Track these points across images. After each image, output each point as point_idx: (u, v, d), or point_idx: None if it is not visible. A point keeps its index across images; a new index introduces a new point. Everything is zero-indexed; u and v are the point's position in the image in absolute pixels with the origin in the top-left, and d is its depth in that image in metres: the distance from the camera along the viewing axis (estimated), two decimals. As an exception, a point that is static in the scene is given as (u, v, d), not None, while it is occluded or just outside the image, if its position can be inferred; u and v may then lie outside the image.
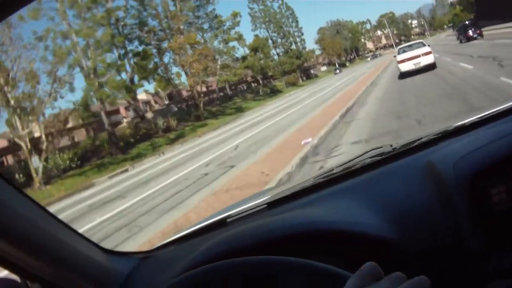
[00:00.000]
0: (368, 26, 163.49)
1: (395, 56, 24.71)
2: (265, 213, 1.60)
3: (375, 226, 1.19)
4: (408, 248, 1.14)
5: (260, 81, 79.29)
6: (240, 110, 53.58)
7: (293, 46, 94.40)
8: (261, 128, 23.29)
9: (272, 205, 1.64)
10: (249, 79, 79.62)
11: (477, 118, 1.51)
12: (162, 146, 36.21)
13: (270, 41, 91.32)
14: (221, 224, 1.67)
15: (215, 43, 61.40)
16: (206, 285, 1.02)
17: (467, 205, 1.12)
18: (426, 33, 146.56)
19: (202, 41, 59.15)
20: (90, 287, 1.25)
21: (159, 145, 36.64)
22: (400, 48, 23.67)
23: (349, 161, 1.69)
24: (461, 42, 36.91)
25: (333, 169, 1.66)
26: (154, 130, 42.00)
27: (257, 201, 1.71)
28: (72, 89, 37.89)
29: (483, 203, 1.13)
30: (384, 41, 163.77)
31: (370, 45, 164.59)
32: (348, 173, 1.56)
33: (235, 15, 63.95)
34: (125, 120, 51.98)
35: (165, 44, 50.98)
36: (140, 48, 47.33)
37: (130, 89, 43.45)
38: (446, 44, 43.75)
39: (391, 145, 1.63)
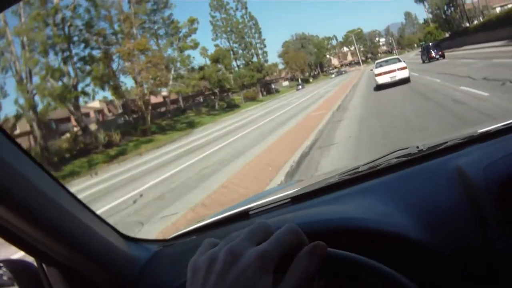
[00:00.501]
0: (334, 42, 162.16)
1: (371, 70, 27.02)
2: (289, 208, 1.57)
3: (404, 226, 1.17)
4: (437, 249, 1.13)
5: (217, 94, 74.42)
6: (191, 125, 49.48)
7: (255, 59, 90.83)
8: (206, 154, 19.35)
9: (296, 199, 1.60)
10: (207, 91, 74.59)
11: (502, 125, 1.53)
12: (100, 164, 32.10)
13: (231, 52, 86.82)
14: (242, 216, 1.65)
15: (169, 50, 56.99)
16: None
17: (496, 210, 1.11)
18: (394, 51, 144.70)
19: (156, 47, 54.19)
20: (106, 273, 1.25)
21: (96, 163, 32.62)
22: (378, 63, 25.41)
23: (375, 160, 1.67)
24: (423, 62, 40.86)
25: (358, 167, 1.64)
26: (94, 145, 37.85)
27: (280, 195, 1.68)
28: (3, 95, 33.82)
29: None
30: (350, 57, 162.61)
31: (335, 61, 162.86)
32: (374, 172, 1.54)
33: (192, 21, 59.08)
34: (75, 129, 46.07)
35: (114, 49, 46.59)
36: (86, 52, 43.16)
37: (64, 97, 38.04)
38: (414, 62, 46.02)
39: (417, 147, 1.62)
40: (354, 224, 1.21)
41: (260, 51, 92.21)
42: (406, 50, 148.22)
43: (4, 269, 1.20)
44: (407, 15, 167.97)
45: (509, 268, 1.06)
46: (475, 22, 68.54)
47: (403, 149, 1.71)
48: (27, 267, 1.21)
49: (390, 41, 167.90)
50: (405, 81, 22.65)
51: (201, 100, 74.54)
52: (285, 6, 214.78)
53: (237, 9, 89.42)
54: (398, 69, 22.99)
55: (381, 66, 24.34)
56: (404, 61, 23.79)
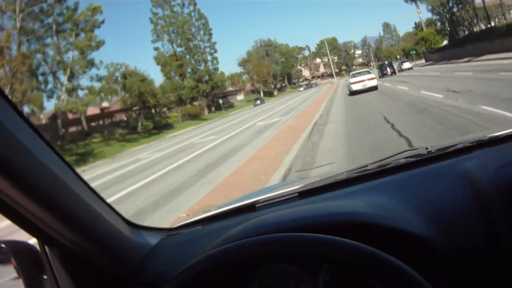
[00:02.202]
0: (306, 53, 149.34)
1: (346, 80, 38.39)
2: (296, 202, 1.57)
3: (413, 224, 1.20)
4: (447, 249, 1.16)
5: (142, 111, 57.26)
6: (84, 159, 35.10)
7: (202, 66, 74.24)
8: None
9: (303, 194, 1.61)
10: (142, 106, 57.30)
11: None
12: None
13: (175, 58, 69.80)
14: (249, 208, 1.65)
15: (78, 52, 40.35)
16: (234, 265, 1.06)
17: (506, 212, 1.16)
18: (372, 63, 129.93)
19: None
20: (109, 258, 1.25)
21: None
22: (352, 74, 34.75)
23: (383, 159, 1.69)
24: (380, 77, 47.41)
25: (367, 165, 1.66)
26: None
27: (287, 189, 1.69)
28: None
29: None
30: (322, 69, 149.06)
31: (307, 72, 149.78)
32: (383, 171, 1.56)
33: (93, 10, 41.96)
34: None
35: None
36: None
37: None
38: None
39: (426, 148, 1.64)
40: (363, 219, 1.21)
41: (209, 57, 75.19)
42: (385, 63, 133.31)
43: (5, 249, 1.24)
44: (386, 26, 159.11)
45: None
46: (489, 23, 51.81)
47: (412, 149, 1.73)
48: (29, 249, 1.24)
49: (366, 53, 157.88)
50: (373, 88, 30.19)
51: (125, 118, 57.16)
52: (252, 11, 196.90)
53: (183, 4, 71.92)
54: (368, 79, 30.83)
55: (354, 76, 32.73)
56: (373, 73, 32.84)
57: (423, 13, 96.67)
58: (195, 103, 69.98)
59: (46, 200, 1.00)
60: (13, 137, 0.91)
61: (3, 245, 1.24)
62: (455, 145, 1.57)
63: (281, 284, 1.15)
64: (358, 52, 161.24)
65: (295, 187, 1.67)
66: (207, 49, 76.35)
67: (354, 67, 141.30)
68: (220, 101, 71.49)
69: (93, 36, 42.96)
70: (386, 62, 57.85)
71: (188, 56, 71.37)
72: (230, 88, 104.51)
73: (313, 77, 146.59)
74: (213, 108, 72.00)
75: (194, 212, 2.04)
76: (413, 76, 37.94)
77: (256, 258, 1.06)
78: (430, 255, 1.14)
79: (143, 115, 56.11)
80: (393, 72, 50.45)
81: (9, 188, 0.92)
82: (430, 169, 1.46)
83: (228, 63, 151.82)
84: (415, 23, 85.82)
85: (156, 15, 70.72)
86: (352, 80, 31.95)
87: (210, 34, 77.09)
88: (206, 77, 72.38)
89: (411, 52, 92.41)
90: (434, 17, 71.38)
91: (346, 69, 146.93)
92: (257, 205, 1.65)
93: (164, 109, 63.60)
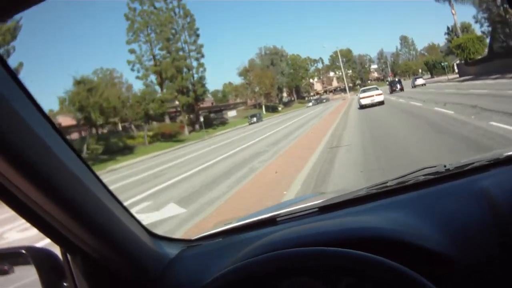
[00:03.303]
0: (320, 66, 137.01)
1: (357, 95, 40.87)
2: (317, 217, 1.61)
3: (433, 240, 1.22)
4: (465, 264, 1.19)
5: (90, 129, 43.96)
6: None
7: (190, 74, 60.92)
8: None
9: (323, 209, 1.64)
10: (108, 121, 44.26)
11: None
12: None
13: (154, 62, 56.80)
14: (270, 222, 1.67)
15: None
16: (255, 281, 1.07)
17: None
18: (388, 79, 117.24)
19: None
20: (130, 268, 1.27)
21: None
22: (362, 90, 37.75)
23: (403, 176, 1.69)
24: (390, 93, 50.38)
25: (387, 182, 1.67)
26: None
27: (308, 204, 1.72)
28: None
29: None
30: (335, 83, 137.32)
31: (318, 86, 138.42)
32: (402, 188, 1.59)
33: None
34: None
35: None
36: None
37: None
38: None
39: (444, 166, 1.66)
40: (383, 235, 1.24)
41: (195, 63, 62.10)
42: (402, 78, 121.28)
43: (25, 254, 1.28)
44: (403, 39, 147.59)
45: None
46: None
47: (430, 167, 1.72)
48: (50, 256, 1.26)
49: (383, 67, 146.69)
50: (380, 103, 32.77)
51: (79, 137, 44.02)
52: (259, 14, 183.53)
53: (165, -1, 58.72)
54: (376, 95, 33.57)
55: (364, 92, 35.64)
56: (380, 89, 35.26)
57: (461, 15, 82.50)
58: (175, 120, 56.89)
59: (71, 208, 1.02)
60: (41, 142, 0.93)
61: (23, 251, 1.29)
62: (473, 163, 1.59)
63: None
64: (374, 66, 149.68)
65: (316, 202, 1.70)
66: (192, 53, 63.13)
67: (369, 81, 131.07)
68: (201, 119, 57.87)
69: None
70: (396, 79, 63.55)
71: (171, 61, 58.17)
72: (237, 100, 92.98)
73: (325, 91, 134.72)
74: (197, 126, 58.54)
75: (214, 224, 2.09)
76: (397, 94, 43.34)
77: (280, 271, 1.07)
78: (448, 271, 1.16)
79: (89, 135, 43.03)
80: (401, 89, 51.67)
81: (35, 195, 0.95)
82: (448, 186, 1.48)
83: (230, 72, 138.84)
84: (448, 28, 71.24)
85: (133, 11, 57.75)
86: (362, 95, 35.02)
87: (197, 35, 63.62)
88: (191, 87, 59.53)
89: (441, 64, 78.61)
90: (472, 20, 57.18)
91: (360, 84, 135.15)
92: (278, 219, 1.66)
93: (133, 126, 50.54)
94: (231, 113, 68.77)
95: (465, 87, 31.71)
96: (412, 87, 55.02)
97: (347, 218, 1.46)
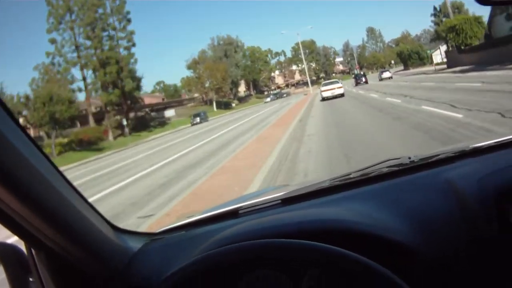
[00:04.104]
0: (282, 59, 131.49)
1: (319, 88, 43.59)
2: (279, 209, 1.61)
3: (396, 232, 1.24)
4: (430, 256, 1.20)
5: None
6: None
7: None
8: None
9: (286, 201, 1.64)
10: None
11: (494, 142, 1.62)
12: None
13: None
14: (232, 214, 1.68)
15: None
16: (216, 272, 1.09)
17: (489, 221, 1.21)
18: (355, 71, 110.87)
19: None
20: (94, 262, 1.26)
21: None
22: (324, 83, 40.48)
23: (366, 168, 1.70)
24: (355, 85, 54.90)
25: (350, 174, 1.69)
26: None
27: (270, 196, 1.73)
28: None
29: (504, 220, 1.23)
30: (298, 76, 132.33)
31: (280, 80, 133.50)
32: (366, 179, 1.59)
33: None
34: None
35: None
36: None
37: None
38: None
39: (409, 158, 1.67)
40: (345, 226, 1.24)
41: (124, 52, 52.48)
42: (370, 71, 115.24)
43: None
44: (370, 31, 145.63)
45: (498, 278, 1.16)
46: None
47: (395, 158, 1.73)
48: (16, 252, 1.24)
49: (348, 60, 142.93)
50: (341, 95, 35.49)
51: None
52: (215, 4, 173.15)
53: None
54: (337, 88, 36.27)
55: (326, 85, 38.32)
56: (341, 83, 38.60)
57: None
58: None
59: (33, 202, 1.01)
60: (2, 138, 0.92)
61: None
62: (438, 155, 1.61)
63: None
64: (339, 59, 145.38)
65: (278, 194, 1.69)
66: (121, 41, 53.47)
67: (334, 74, 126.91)
68: (124, 122, 48.50)
69: None
70: (361, 73, 67.75)
71: (94, 51, 48.47)
72: (195, 95, 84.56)
73: (286, 85, 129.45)
74: (126, 130, 49.21)
75: (177, 217, 2.16)
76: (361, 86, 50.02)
77: (243, 263, 1.08)
78: (412, 262, 1.17)
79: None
80: (366, 82, 54.47)
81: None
82: (413, 178, 1.49)
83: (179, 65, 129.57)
84: (435, 9, 61.60)
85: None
86: (323, 88, 38.02)
87: (127, 20, 53.94)
88: (120, 82, 50.25)
89: (417, 54, 70.87)
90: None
91: (324, 77, 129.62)
92: (240, 211, 1.66)
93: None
94: (169, 113, 58.67)
95: (475, 80, 22.04)
96: (379, 80, 55.98)
97: (310, 210, 1.46)
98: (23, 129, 1.01)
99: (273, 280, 1.10)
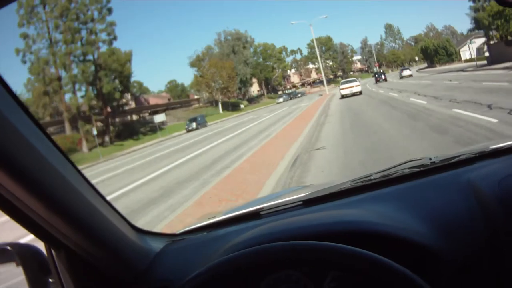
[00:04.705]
0: (298, 57, 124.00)
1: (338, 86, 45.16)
2: (300, 210, 1.61)
3: (417, 233, 1.24)
4: (451, 257, 1.21)
5: None
6: None
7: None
8: None
9: (307, 203, 1.65)
10: None
11: None
12: None
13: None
14: (254, 215, 1.68)
15: None
16: (237, 273, 1.09)
17: (511, 222, 1.21)
18: (375, 69, 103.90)
19: None
20: (115, 262, 1.27)
21: None
22: (342, 82, 41.50)
23: (387, 169, 1.71)
24: (375, 83, 58.31)
25: (371, 175, 1.68)
26: None
27: (291, 198, 1.72)
28: None
29: None
30: (314, 75, 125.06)
31: (296, 78, 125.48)
32: (387, 181, 1.60)
33: None
34: None
35: None
36: None
37: None
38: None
39: (430, 159, 1.67)
40: (367, 228, 1.25)
41: (104, 47, 44.89)
42: (389, 69, 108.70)
43: (10, 251, 1.27)
44: (388, 27, 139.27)
45: None
46: None
47: (416, 160, 1.73)
48: (35, 252, 1.25)
49: (367, 57, 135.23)
50: (359, 93, 37.06)
51: None
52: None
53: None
54: (355, 86, 37.62)
55: (344, 83, 39.34)
56: (359, 81, 40.25)
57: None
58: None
59: (55, 203, 1.02)
60: (23, 139, 0.93)
61: (8, 247, 1.27)
62: (458, 156, 1.60)
63: None
64: (357, 57, 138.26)
65: (300, 195, 1.70)
66: (100, 34, 45.79)
67: (351, 73, 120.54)
68: (94, 131, 39.44)
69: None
70: (381, 71, 72.01)
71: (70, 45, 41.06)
72: (195, 97, 78.00)
73: (302, 84, 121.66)
74: (106, 138, 41.82)
75: (199, 218, 2.16)
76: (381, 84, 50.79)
77: (265, 265, 1.08)
78: (434, 264, 1.18)
79: None
80: (385, 79, 58.62)
81: (19, 192, 0.95)
82: (434, 179, 1.49)
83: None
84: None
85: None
86: (342, 86, 38.96)
87: (108, 10, 46.05)
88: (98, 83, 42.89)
89: (444, 49, 63.15)
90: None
91: (342, 75, 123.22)
92: (261, 213, 1.66)
93: None
94: (158, 118, 50.51)
95: None
96: (400, 78, 57.63)
97: (331, 211, 1.45)
98: (43, 129, 1.00)
99: (295, 282, 1.14)
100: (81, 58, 43.34)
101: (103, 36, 46.28)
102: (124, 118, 50.00)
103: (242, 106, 76.26)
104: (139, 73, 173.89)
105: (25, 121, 0.95)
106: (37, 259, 1.24)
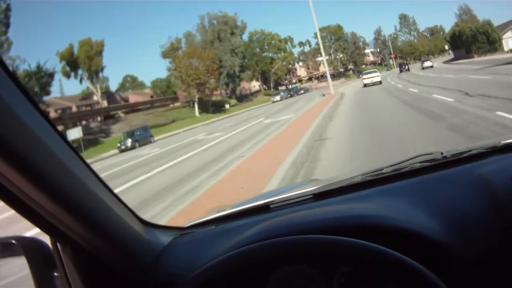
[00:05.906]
0: (307, 49, 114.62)
1: (360, 77, 60.69)
2: (311, 204, 1.61)
3: (429, 227, 1.24)
4: (463, 253, 1.20)
5: None
6: None
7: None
8: None
9: (318, 196, 1.64)
10: None
11: None
12: None
13: None
14: (263, 209, 1.68)
15: None
16: (251, 267, 1.10)
17: None
18: (391, 62, 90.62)
19: None
20: (122, 256, 1.26)
21: None
22: (364, 73, 49.76)
23: (398, 163, 1.71)
24: (400, 72, 65.95)
25: (382, 169, 1.69)
26: None
27: (302, 191, 1.72)
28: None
29: None
30: (323, 68, 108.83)
31: (303, 72, 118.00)
32: (398, 175, 1.60)
33: None
34: None
35: None
36: None
37: None
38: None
39: (441, 153, 1.68)
40: (378, 222, 1.25)
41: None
42: (405, 61, 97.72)
43: (16, 245, 1.27)
44: (403, 18, 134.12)
45: None
46: None
47: (427, 154, 1.74)
48: (40, 246, 1.26)
49: (381, 49, 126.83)
50: (379, 83, 42.56)
51: None
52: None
53: None
54: (376, 76, 44.24)
55: (366, 74, 46.81)
56: (379, 72, 47.00)
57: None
58: None
59: (61, 197, 1.01)
60: (30, 132, 0.92)
61: (13, 241, 1.28)
62: (470, 150, 1.60)
63: (298, 286, 1.17)
64: (369, 50, 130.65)
65: (310, 188, 1.69)
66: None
67: (364, 66, 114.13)
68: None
69: None
70: (404, 62, 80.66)
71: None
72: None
73: (310, 78, 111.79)
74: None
75: (207, 211, 2.13)
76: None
77: (275, 259, 1.09)
78: (445, 259, 1.18)
79: None
80: (408, 70, 65.65)
81: (25, 186, 0.94)
82: (445, 174, 1.49)
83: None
84: None
85: None
86: (365, 76, 46.37)
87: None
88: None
89: (486, 35, 49.54)
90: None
91: (353, 69, 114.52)
92: (271, 206, 1.66)
93: None
94: (73, 133, 34.97)
95: None
96: (422, 69, 62.52)
97: (342, 205, 1.45)
98: (51, 122, 0.99)
99: (305, 276, 1.14)
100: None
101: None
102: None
103: (227, 106, 61.71)
104: (132, 66, 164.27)
105: (32, 114, 0.93)
106: (42, 252, 1.25)
